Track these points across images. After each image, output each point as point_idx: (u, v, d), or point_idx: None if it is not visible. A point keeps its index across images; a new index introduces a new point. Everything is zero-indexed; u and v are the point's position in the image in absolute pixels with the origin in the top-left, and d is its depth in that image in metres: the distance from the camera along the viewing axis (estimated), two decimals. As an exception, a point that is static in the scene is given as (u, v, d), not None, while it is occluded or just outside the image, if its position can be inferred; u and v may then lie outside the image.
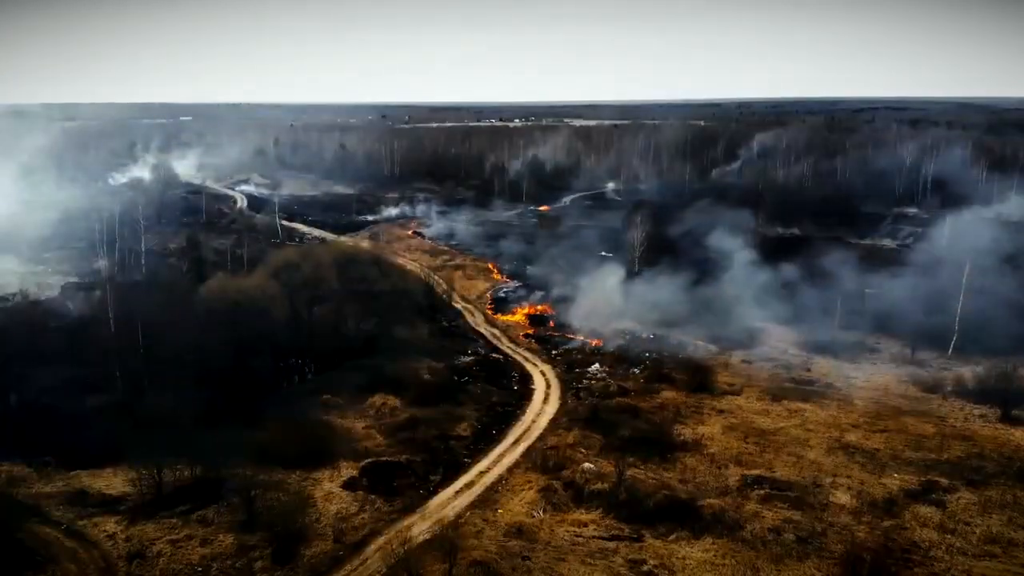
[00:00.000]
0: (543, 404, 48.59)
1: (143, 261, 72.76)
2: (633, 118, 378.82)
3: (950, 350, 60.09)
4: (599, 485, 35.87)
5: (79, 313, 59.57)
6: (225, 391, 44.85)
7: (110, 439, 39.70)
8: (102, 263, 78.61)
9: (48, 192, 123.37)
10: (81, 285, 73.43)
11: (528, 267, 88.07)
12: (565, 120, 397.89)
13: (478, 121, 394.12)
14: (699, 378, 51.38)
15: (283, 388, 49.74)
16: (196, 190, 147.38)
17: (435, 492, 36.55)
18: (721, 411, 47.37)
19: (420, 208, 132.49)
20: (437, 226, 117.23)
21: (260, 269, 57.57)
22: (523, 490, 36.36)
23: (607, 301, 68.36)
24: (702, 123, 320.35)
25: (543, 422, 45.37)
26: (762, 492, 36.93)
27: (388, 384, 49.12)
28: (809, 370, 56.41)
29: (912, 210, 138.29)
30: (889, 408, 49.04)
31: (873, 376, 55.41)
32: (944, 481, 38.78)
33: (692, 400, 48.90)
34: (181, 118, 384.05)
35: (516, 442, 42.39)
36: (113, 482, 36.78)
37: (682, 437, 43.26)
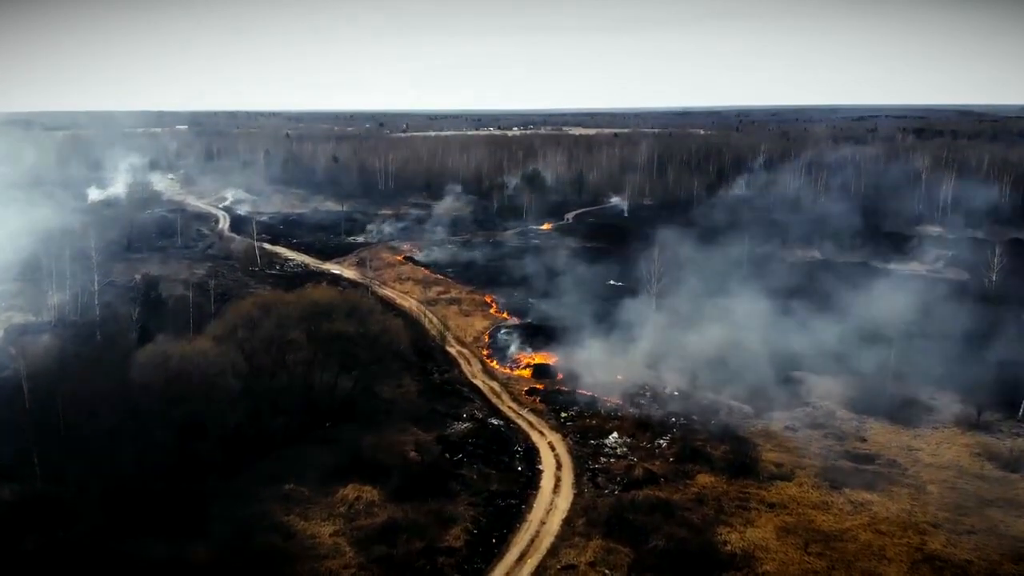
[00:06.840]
0: (553, 494, 40.04)
1: (96, 301, 64.00)
2: (633, 126, 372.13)
3: (1021, 411, 51.85)
4: (632, 638, 27.38)
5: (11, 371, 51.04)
6: (163, 483, 36.62)
7: (10, 561, 31.37)
8: (55, 301, 70.03)
9: (19, 210, 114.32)
10: (29, 327, 64.89)
11: (530, 300, 79.63)
12: (564, 128, 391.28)
13: (476, 129, 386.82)
14: (740, 456, 42.91)
15: (238, 472, 41.13)
16: (176, 208, 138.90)
17: (418, 645, 28.07)
18: (772, 505, 38.79)
19: (413, 228, 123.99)
20: (431, 249, 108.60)
21: (215, 324, 48.89)
22: (533, 644, 27.87)
23: (622, 347, 59.99)
24: (702, 131, 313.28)
25: (554, 524, 36.80)
26: (841, 640, 28.62)
27: (365, 467, 40.70)
28: (864, 440, 47.99)
29: (936, 230, 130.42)
30: (970, 496, 40.62)
31: (940, 448, 47.00)
32: (1064, 614, 30.55)
33: (734, 489, 40.27)
34: (177, 127, 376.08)
35: (522, 558, 33.84)
36: (-1, 632, 28.32)
37: (729, 546, 34.78)
